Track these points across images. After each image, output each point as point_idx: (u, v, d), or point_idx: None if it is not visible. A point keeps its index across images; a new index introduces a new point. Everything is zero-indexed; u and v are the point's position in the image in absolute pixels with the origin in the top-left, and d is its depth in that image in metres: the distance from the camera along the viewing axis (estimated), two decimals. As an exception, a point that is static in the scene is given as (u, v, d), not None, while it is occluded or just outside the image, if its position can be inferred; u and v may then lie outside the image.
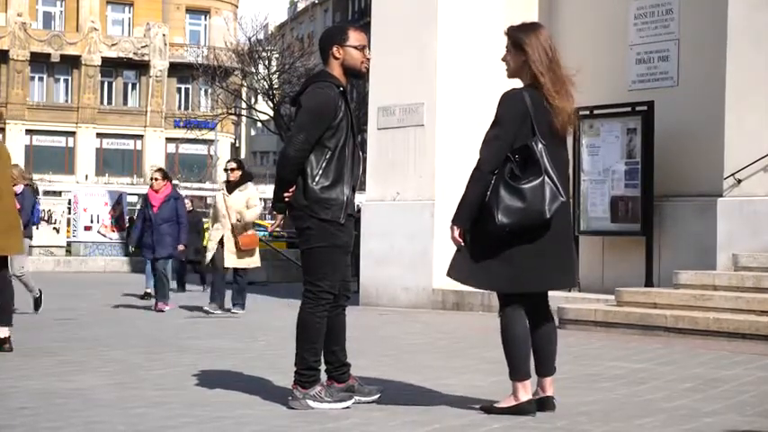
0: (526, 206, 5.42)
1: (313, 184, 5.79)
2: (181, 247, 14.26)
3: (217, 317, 12.94)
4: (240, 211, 13.24)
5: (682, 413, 5.79)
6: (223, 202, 13.44)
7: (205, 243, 15.35)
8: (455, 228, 5.57)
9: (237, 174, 13.55)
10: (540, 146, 5.47)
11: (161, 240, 13.99)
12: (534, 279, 5.57)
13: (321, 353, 5.89)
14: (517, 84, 5.69)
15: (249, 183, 13.76)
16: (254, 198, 13.66)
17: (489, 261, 5.54)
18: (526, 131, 5.49)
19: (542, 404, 5.67)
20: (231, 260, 13.35)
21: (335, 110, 5.82)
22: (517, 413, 5.53)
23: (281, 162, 5.87)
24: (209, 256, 13.61)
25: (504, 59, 5.71)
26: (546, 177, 5.44)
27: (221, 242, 13.34)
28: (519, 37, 5.62)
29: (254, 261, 13.64)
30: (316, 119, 5.79)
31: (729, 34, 11.93)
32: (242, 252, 13.33)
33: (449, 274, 5.77)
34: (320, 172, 5.80)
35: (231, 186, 13.54)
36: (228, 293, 13.60)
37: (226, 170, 13.79)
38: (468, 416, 5.62)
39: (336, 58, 5.96)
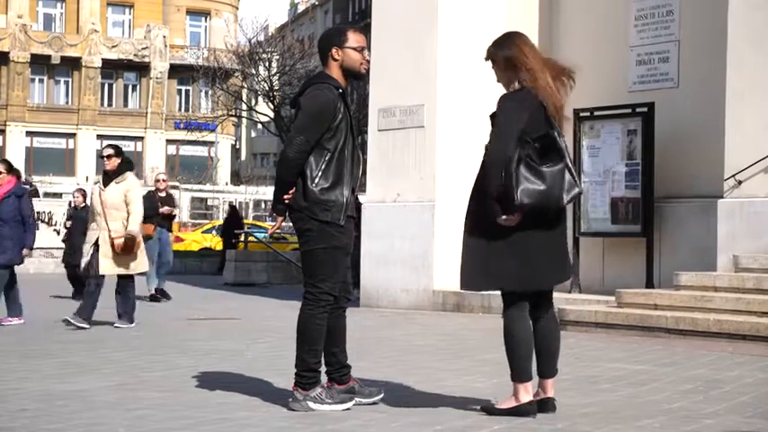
0: (546, 189, 5.45)
1: (312, 185, 5.79)
2: (25, 251, 11.81)
3: (83, 328, 11.01)
4: (131, 227, 11.19)
5: (682, 414, 5.79)
6: (98, 197, 11.32)
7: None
8: (505, 218, 5.46)
9: (115, 162, 11.29)
10: (558, 136, 5.54)
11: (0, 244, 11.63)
12: (546, 275, 5.61)
13: (321, 355, 5.89)
14: None
15: (129, 172, 11.44)
16: (133, 191, 11.33)
17: (500, 261, 5.52)
18: (540, 122, 5.52)
19: (543, 405, 5.67)
20: (107, 266, 11.16)
21: (335, 111, 5.82)
22: (517, 414, 5.53)
23: (281, 163, 5.88)
24: (83, 261, 11.45)
25: (498, 81, 5.77)
26: (565, 165, 5.50)
27: (97, 245, 11.24)
28: (498, 52, 5.70)
29: (138, 265, 11.46)
30: (315, 120, 5.80)
31: (729, 35, 11.93)
32: (120, 256, 11.22)
33: (464, 288, 5.76)
34: (320, 173, 5.80)
35: (108, 177, 11.36)
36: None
37: (101, 157, 11.50)
38: (469, 417, 5.62)
39: (335, 60, 5.97)
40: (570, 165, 5.54)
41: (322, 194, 5.80)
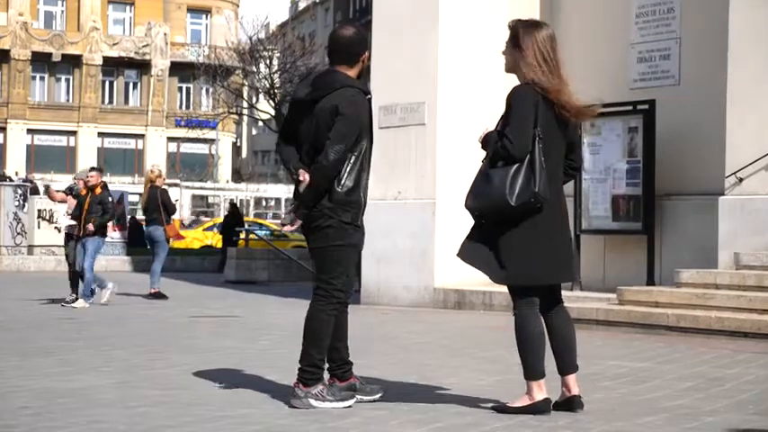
0: (489, 191, 5.43)
1: (339, 187, 5.82)
2: None
3: None
4: None
5: (683, 412, 5.79)
6: None
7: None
8: None
9: None
10: (538, 138, 5.46)
11: None
12: (548, 272, 5.59)
13: (326, 351, 5.89)
14: (513, 78, 5.72)
15: None
16: None
17: (509, 255, 5.50)
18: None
19: (570, 404, 5.61)
20: None
21: (369, 118, 5.89)
22: (533, 412, 5.49)
23: (321, 171, 5.78)
24: None
25: (503, 53, 5.73)
26: (523, 168, 5.40)
27: None
28: (516, 35, 5.62)
29: None
30: (357, 128, 5.82)
31: (730, 33, 11.92)
32: None
33: (461, 255, 5.67)
34: (346, 175, 5.84)
35: None
36: None
37: None
38: (470, 415, 5.62)
39: (363, 65, 5.98)
40: (536, 168, 5.39)
41: (347, 196, 5.85)
